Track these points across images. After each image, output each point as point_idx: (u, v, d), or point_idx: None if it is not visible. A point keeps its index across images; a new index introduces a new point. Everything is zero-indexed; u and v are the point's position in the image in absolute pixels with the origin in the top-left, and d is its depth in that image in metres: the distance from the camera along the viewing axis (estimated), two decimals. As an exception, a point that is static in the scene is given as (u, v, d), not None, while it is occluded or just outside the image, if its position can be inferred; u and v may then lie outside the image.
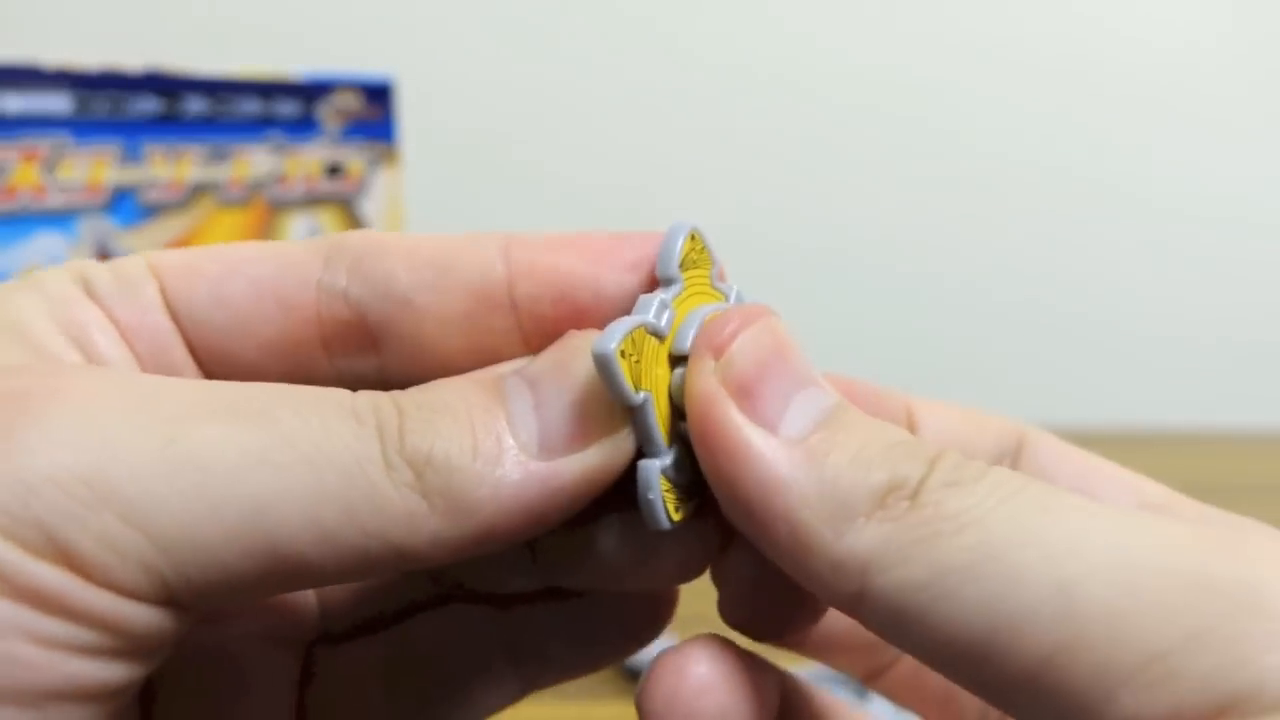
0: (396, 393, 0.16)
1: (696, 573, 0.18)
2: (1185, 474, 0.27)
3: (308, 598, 0.20)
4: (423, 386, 0.16)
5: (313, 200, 0.56)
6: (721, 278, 0.19)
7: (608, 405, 0.16)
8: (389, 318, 0.17)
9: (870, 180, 0.76)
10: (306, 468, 0.14)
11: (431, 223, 0.61)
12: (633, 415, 0.16)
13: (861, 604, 0.15)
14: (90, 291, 0.17)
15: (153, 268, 0.18)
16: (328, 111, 0.55)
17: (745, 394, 0.16)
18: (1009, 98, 0.75)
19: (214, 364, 0.18)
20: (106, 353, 0.17)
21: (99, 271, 0.17)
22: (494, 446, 0.15)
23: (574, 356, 0.16)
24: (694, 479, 0.17)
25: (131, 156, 0.50)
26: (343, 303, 0.17)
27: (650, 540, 0.17)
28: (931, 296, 0.78)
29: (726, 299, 0.19)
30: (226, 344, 0.17)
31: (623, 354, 0.16)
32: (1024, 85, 0.75)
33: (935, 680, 0.20)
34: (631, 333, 0.16)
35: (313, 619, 0.20)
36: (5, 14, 0.67)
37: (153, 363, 0.17)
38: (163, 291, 0.17)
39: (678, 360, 0.17)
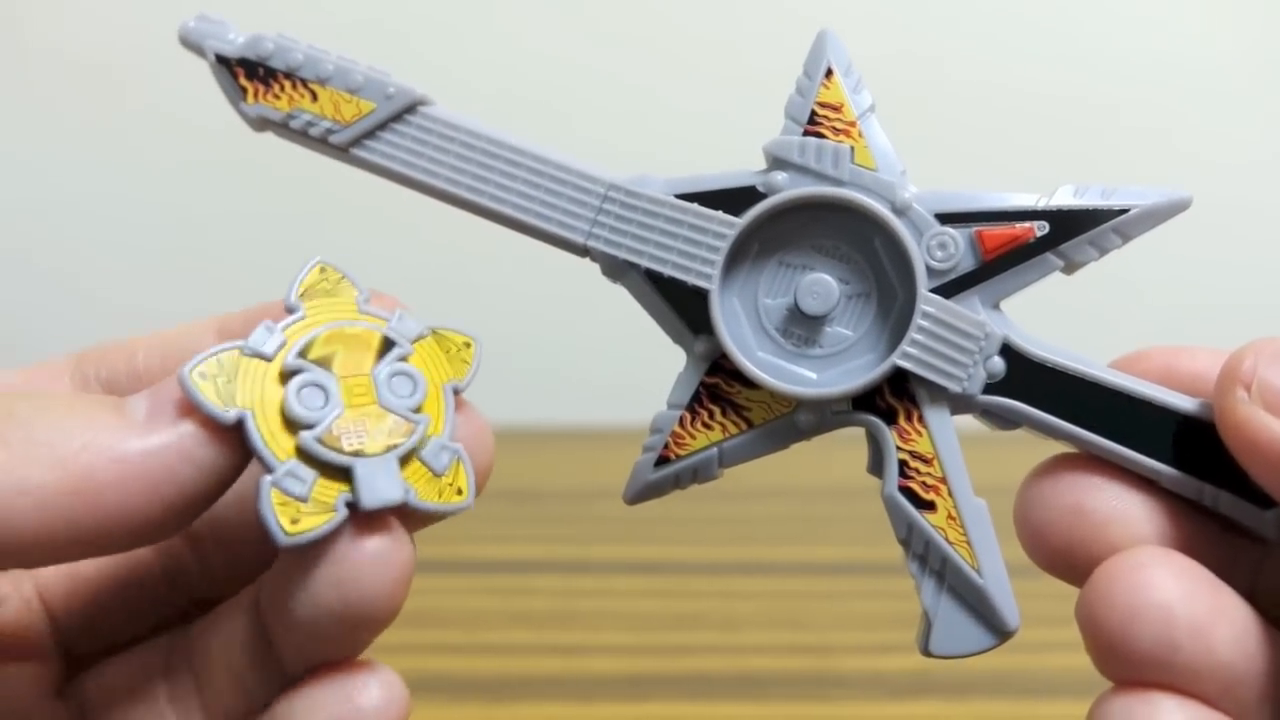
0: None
1: (379, 594, 0.19)
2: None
3: (34, 636, 0.22)
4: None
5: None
6: (385, 304, 0.21)
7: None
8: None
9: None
10: None
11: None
12: (240, 432, 0.19)
13: None
14: None
15: None
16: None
17: None
18: (1012, 84, 0.75)
19: None
20: None
21: None
22: (95, 416, 0.18)
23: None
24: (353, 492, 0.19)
25: None
26: (96, 387, 0.22)
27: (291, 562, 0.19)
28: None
29: (385, 321, 0.21)
30: None
31: (202, 375, 0.19)
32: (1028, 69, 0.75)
33: None
34: (217, 356, 0.19)
35: (48, 652, 0.22)
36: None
37: None
38: None
39: (288, 375, 0.19)
